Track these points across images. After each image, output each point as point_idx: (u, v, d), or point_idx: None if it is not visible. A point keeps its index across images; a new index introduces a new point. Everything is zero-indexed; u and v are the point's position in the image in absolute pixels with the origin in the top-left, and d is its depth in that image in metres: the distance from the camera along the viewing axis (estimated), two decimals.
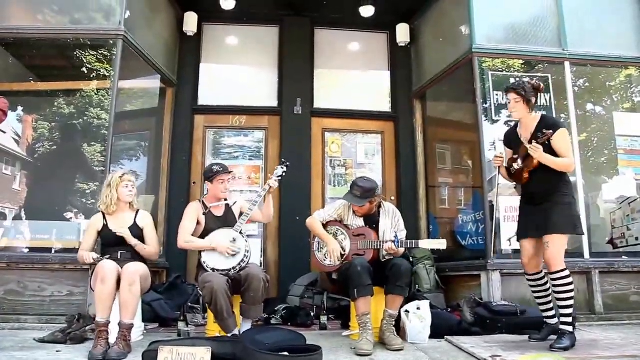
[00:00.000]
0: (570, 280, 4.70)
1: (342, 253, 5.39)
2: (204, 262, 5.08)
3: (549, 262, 4.73)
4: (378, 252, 5.31)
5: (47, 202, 6.45)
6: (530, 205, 5.00)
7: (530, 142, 4.80)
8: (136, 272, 4.68)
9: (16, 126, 6.60)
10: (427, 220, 8.49)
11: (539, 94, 5.06)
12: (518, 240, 5.12)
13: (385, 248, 5.19)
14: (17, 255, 6.12)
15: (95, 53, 6.64)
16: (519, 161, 4.95)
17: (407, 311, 5.25)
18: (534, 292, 5.04)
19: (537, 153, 4.73)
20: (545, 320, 4.98)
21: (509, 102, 5.04)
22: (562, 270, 4.68)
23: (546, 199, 4.81)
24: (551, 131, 4.70)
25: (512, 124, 5.35)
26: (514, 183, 5.36)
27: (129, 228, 5.17)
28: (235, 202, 5.60)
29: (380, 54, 9.24)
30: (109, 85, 6.54)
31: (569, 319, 4.71)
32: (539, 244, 4.86)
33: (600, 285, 6.55)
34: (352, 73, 9.29)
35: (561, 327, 4.72)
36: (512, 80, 6.94)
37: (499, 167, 5.25)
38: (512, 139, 5.17)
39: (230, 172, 5.54)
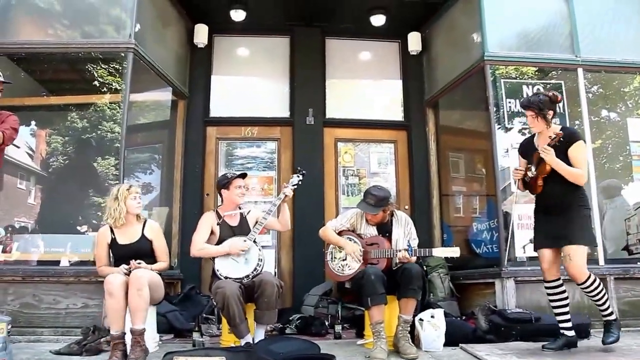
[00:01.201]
0: (597, 282, 4.74)
1: (361, 249, 5.36)
2: (218, 270, 5.09)
3: (574, 276, 4.72)
4: (391, 260, 5.29)
5: (61, 215, 6.50)
6: (547, 215, 4.95)
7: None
8: (142, 277, 4.63)
9: (30, 141, 6.65)
10: (440, 229, 8.46)
11: (557, 105, 5.02)
12: (535, 250, 5.08)
13: (398, 257, 5.17)
14: (32, 268, 6.15)
15: (106, 66, 6.68)
16: (533, 168, 4.91)
17: (421, 319, 5.25)
18: (551, 300, 4.98)
19: (549, 156, 4.69)
20: (560, 329, 4.91)
21: (527, 117, 5.03)
22: (588, 279, 4.70)
23: (565, 210, 4.78)
24: (561, 132, 4.69)
25: (527, 132, 5.29)
26: (528, 192, 5.25)
27: (137, 241, 5.14)
28: (250, 211, 5.59)
29: (392, 63, 9.24)
30: (121, 98, 6.56)
31: (612, 317, 4.85)
32: (557, 252, 4.85)
33: (615, 291, 6.49)
34: (364, 82, 9.28)
35: (605, 319, 4.88)
36: (524, 88, 7.00)
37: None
38: (527, 148, 5.12)
39: (245, 176, 5.53)
